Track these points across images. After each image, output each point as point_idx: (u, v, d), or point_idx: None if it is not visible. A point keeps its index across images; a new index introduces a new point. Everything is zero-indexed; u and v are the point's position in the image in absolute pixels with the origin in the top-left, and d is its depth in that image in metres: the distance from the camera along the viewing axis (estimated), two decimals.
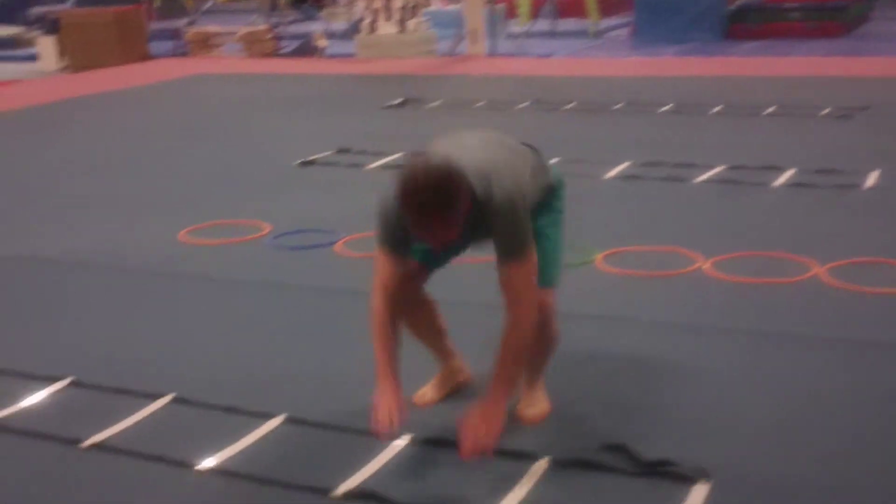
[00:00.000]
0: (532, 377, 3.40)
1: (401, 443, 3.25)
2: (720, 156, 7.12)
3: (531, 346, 3.12)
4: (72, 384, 3.84)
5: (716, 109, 9.11)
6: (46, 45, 16.49)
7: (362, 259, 4.89)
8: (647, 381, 3.72)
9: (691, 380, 3.71)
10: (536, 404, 3.42)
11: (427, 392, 3.52)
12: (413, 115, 9.76)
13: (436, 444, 3.25)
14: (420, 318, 3.39)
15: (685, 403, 3.52)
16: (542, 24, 16.79)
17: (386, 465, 3.15)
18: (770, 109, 8.95)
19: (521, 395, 3.41)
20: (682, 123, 8.66)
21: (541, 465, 3.11)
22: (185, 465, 3.20)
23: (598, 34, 16.36)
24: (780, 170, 6.66)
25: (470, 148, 3.04)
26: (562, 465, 3.11)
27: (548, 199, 3.25)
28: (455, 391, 3.56)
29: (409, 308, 3.29)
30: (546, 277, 3.20)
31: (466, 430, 2.96)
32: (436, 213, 2.78)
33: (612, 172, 6.87)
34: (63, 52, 16.10)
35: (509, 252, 2.95)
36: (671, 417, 3.42)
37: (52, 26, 16.39)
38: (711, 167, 6.81)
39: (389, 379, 3.02)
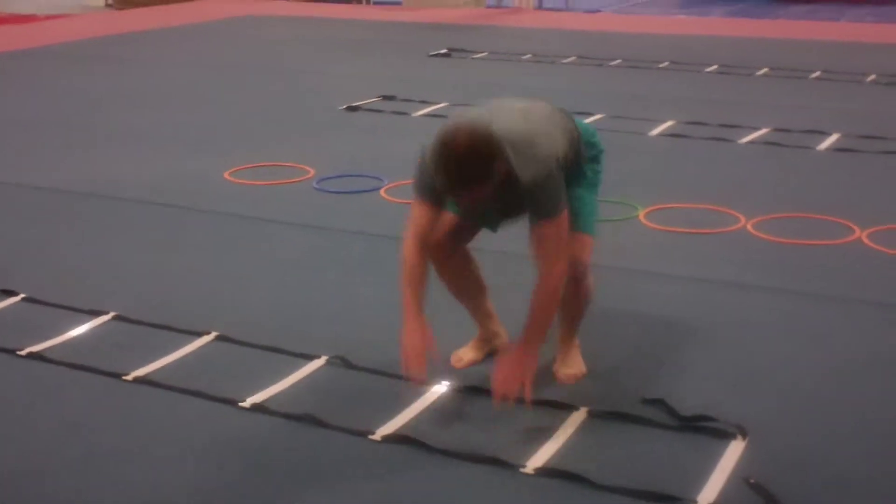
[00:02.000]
0: (567, 335, 3.41)
1: (441, 389, 3.29)
2: (765, 118, 7.07)
3: (566, 301, 3.16)
4: (115, 318, 3.90)
5: (762, 71, 9.02)
6: None
7: (406, 206, 4.91)
8: (687, 336, 3.74)
9: (731, 337, 3.72)
10: (572, 365, 3.42)
11: (464, 354, 3.51)
12: (458, 65, 9.73)
13: (474, 393, 3.29)
14: (461, 278, 3.39)
15: (724, 360, 3.54)
16: None
17: (425, 411, 3.18)
18: (816, 73, 8.86)
19: (557, 354, 3.43)
20: (727, 84, 8.59)
21: (578, 416, 3.14)
22: (228, 401, 3.26)
23: None
24: (824, 134, 6.61)
25: (511, 116, 3.03)
26: (599, 417, 3.14)
27: (585, 167, 3.27)
28: (492, 354, 3.54)
29: (450, 266, 3.32)
30: (583, 224, 3.21)
31: (497, 377, 3.00)
32: (468, 181, 2.83)
33: (657, 130, 6.83)
34: None
35: (542, 215, 2.98)
36: (709, 373, 3.44)
37: None
38: (756, 129, 6.77)
39: (417, 318, 3.05)
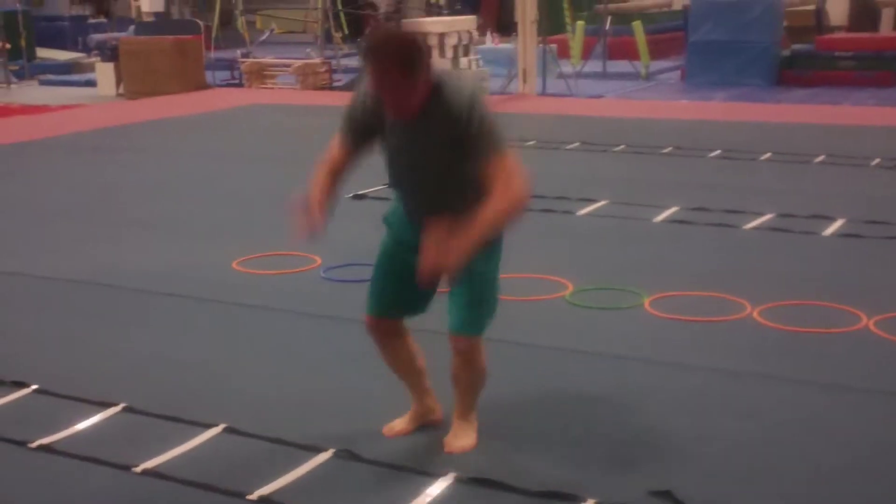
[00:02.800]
0: (463, 409, 3.52)
1: (445, 483, 3.30)
2: (769, 203, 7.12)
3: (457, 377, 3.37)
4: (125, 409, 3.93)
5: (765, 156, 9.11)
6: (105, 72, 16.80)
7: None
8: (696, 426, 3.74)
9: (740, 425, 3.72)
10: (463, 437, 3.52)
11: (397, 424, 3.64)
12: None
13: (473, 484, 3.29)
14: (401, 356, 3.54)
15: (735, 450, 3.53)
16: (594, 65, 16.87)
17: None
18: (820, 158, 8.94)
19: (451, 426, 3.54)
20: (731, 169, 8.67)
21: None
22: (237, 494, 3.26)
23: (649, 76, 16.41)
24: (829, 219, 6.66)
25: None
26: None
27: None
28: (425, 426, 3.66)
29: (393, 346, 3.51)
30: (477, 324, 3.28)
31: (428, 251, 3.04)
32: (395, 69, 2.93)
33: (661, 216, 6.89)
34: (121, 78, 16.40)
35: (491, 148, 3.01)
36: (718, 466, 3.43)
37: (111, 53, 16.71)
38: (761, 214, 6.82)
39: (318, 188, 3.27)
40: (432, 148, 3.13)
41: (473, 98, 3.02)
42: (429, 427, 3.67)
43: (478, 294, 3.28)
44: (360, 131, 3.20)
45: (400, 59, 2.94)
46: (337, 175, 3.29)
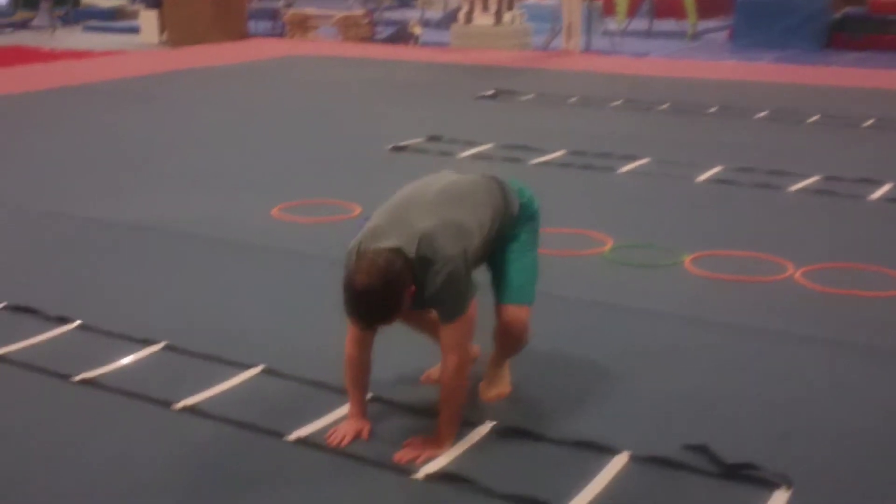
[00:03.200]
0: (499, 360, 3.58)
1: (484, 429, 3.30)
2: (815, 166, 7.02)
3: (503, 343, 3.48)
4: (166, 348, 3.96)
5: (813, 119, 8.98)
6: (149, 19, 16.84)
7: None
8: (731, 383, 3.71)
9: (776, 385, 3.69)
10: (498, 384, 3.58)
11: (434, 373, 3.65)
12: (505, 107, 9.80)
13: (518, 435, 3.30)
14: (426, 324, 3.53)
15: (769, 408, 3.51)
16: (639, 23, 16.69)
17: (468, 451, 3.20)
18: (868, 122, 8.80)
19: (485, 374, 3.59)
20: (777, 131, 8.56)
21: (620, 460, 3.13)
22: (276, 433, 3.29)
23: (696, 36, 16.21)
24: (877, 183, 6.56)
25: (420, 211, 3.15)
26: (641, 462, 3.13)
27: (516, 230, 3.43)
28: None
29: (414, 320, 3.50)
30: (518, 295, 3.39)
31: (410, 446, 3.18)
32: (381, 321, 3.07)
33: (705, 176, 6.82)
34: (164, 26, 16.42)
35: (448, 316, 3.14)
36: (754, 420, 3.41)
37: (154, 0, 16.73)
38: (806, 177, 6.73)
39: (357, 416, 3.32)
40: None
41: (444, 282, 3.08)
42: None
43: (529, 269, 3.44)
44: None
45: (383, 314, 3.04)
46: (366, 366, 3.34)
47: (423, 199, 3.22)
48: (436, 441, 3.20)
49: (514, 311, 3.39)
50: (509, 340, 3.47)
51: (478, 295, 3.19)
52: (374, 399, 3.49)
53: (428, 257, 3.05)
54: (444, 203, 3.21)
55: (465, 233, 3.15)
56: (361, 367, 3.30)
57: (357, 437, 3.26)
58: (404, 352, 3.76)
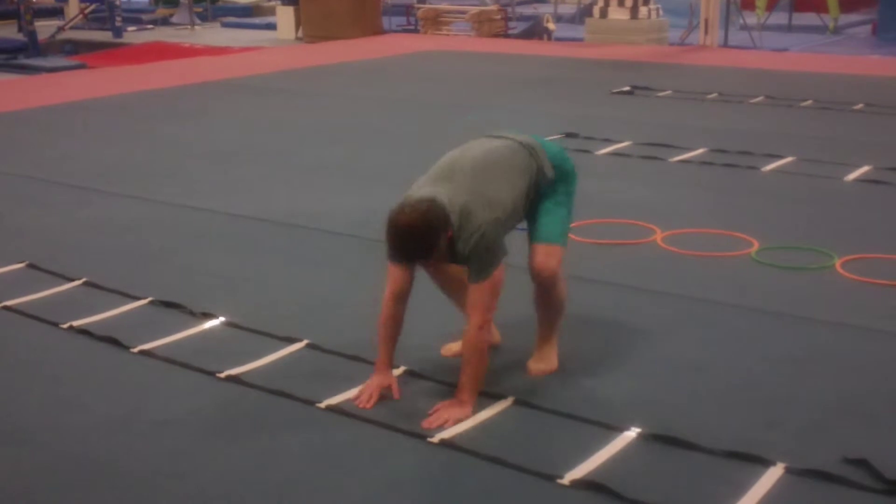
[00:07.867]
0: (545, 333, 3.74)
1: (630, 435, 3.24)
2: None
3: (539, 307, 3.67)
4: (308, 346, 3.99)
5: None
6: (285, 15, 17.15)
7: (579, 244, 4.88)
8: (889, 394, 3.56)
9: None
10: (545, 359, 3.73)
11: (455, 346, 3.78)
12: (641, 103, 9.64)
13: (665, 442, 3.22)
14: (455, 287, 3.70)
15: None
16: (778, 17, 16.27)
17: (612, 457, 3.14)
18: None
19: (534, 349, 3.73)
20: None
21: (775, 472, 3.02)
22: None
23: (838, 30, 15.72)
24: None
25: (463, 177, 3.39)
26: (797, 474, 3.02)
27: (552, 188, 3.60)
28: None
29: (442, 272, 3.67)
30: (549, 235, 3.57)
31: (436, 411, 3.36)
32: (417, 256, 3.33)
33: (853, 175, 6.58)
34: (300, 22, 16.69)
35: (476, 275, 3.35)
36: None
37: None
38: None
39: (385, 370, 3.52)
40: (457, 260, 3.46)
41: (476, 248, 3.31)
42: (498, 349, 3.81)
43: (561, 219, 3.62)
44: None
45: (423, 253, 3.29)
46: (400, 322, 3.52)
47: (461, 170, 3.44)
48: (459, 403, 3.38)
49: (542, 250, 3.55)
50: (543, 296, 3.62)
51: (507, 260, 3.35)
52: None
53: (462, 224, 3.28)
54: (480, 173, 3.42)
55: (497, 203, 3.36)
56: (396, 322, 3.48)
57: (384, 394, 3.47)
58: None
